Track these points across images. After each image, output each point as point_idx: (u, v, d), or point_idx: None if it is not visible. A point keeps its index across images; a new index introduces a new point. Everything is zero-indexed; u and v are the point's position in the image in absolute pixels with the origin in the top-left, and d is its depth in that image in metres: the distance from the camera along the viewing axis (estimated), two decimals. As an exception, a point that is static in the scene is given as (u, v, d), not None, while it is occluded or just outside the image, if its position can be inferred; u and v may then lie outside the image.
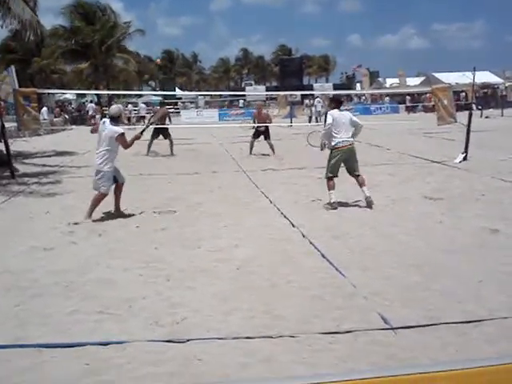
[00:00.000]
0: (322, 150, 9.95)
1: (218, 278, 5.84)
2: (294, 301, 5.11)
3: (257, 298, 5.22)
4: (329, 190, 9.18)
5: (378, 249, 6.70)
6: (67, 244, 7.46)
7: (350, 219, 8.35)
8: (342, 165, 9.29)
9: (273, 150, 17.16)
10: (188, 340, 4.33)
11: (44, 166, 16.50)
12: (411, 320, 4.56)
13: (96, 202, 8.77)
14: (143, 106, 40.91)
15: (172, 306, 5.08)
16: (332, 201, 9.08)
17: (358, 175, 9.25)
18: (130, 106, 41.89)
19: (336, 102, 9.67)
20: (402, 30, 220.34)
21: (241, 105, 54.36)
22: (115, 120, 8.88)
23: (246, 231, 7.79)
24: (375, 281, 5.56)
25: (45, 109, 40.29)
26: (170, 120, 20.22)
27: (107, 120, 8.94)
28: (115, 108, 9.31)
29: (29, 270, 6.31)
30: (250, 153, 17.46)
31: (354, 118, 9.45)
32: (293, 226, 7.97)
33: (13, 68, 15.11)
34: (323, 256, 6.41)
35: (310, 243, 6.98)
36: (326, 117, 9.39)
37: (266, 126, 17.46)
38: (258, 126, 17.52)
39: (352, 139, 9.18)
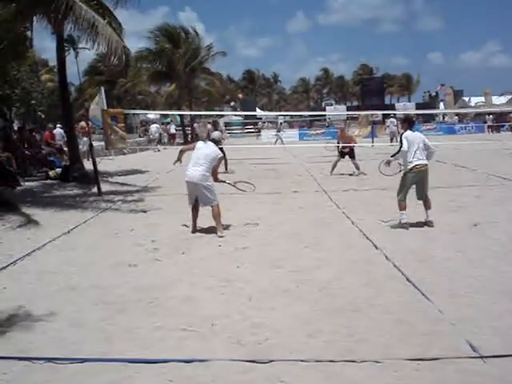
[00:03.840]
0: (394, 174, 9.81)
1: (299, 298, 5.80)
2: (377, 325, 5.00)
3: (339, 320, 5.14)
4: (400, 210, 9.19)
5: (465, 273, 6.46)
6: (151, 261, 7.64)
7: (435, 242, 8.12)
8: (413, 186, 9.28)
9: (358, 169, 17.03)
10: (271, 361, 4.31)
11: (129, 184, 16.98)
12: (501, 349, 4.36)
13: (219, 214, 9.25)
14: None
15: (254, 325, 5.08)
16: (403, 221, 9.07)
17: (427, 199, 9.26)
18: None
19: (408, 123, 9.52)
20: (485, 46, 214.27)
21: (326, 124, 54.23)
22: (216, 143, 9.61)
23: (327, 252, 7.72)
24: (463, 306, 5.36)
25: (156, 125, 41.55)
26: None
27: (210, 142, 9.55)
28: (218, 134, 10.28)
29: (115, 286, 6.50)
30: (331, 172, 17.36)
31: (427, 141, 9.35)
32: (376, 247, 7.83)
33: (102, 89, 15.67)
34: (408, 279, 6.25)
35: (394, 266, 6.83)
36: (400, 139, 9.25)
37: (351, 147, 17.37)
38: (342, 147, 17.46)
39: (426, 161, 9.13)
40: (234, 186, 10.42)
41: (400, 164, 9.60)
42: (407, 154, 9.02)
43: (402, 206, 9.16)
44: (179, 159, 9.90)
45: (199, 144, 9.46)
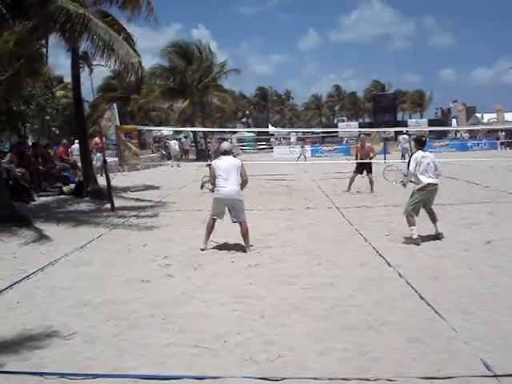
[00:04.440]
0: (405, 187, 9.77)
1: (312, 316, 5.78)
2: (390, 343, 4.97)
3: (352, 338, 5.12)
4: (410, 226, 9.27)
5: (479, 291, 6.42)
6: (164, 277, 7.65)
7: (448, 259, 8.08)
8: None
9: (372, 185, 16.91)
10: (283, 378, 4.30)
11: (142, 199, 17.05)
12: (516, 368, 4.32)
13: (247, 231, 9.24)
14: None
15: (266, 342, 5.07)
16: (414, 237, 9.16)
17: (432, 211, 9.50)
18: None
19: (419, 143, 9.62)
20: (497, 63, 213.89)
21: (344, 141, 54.25)
22: (228, 154, 9.47)
23: (340, 269, 7.70)
24: (477, 325, 5.32)
25: (174, 142, 42.04)
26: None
27: (223, 156, 9.38)
28: (228, 144, 9.87)
29: (127, 301, 6.51)
30: (349, 188, 17.17)
31: (437, 162, 9.45)
32: (389, 265, 7.79)
33: (115, 105, 15.83)
34: (421, 297, 6.21)
35: (407, 283, 6.79)
36: (409, 160, 9.35)
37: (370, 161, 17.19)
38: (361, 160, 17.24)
39: (437, 180, 9.32)
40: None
41: (405, 175, 9.67)
42: (419, 173, 9.14)
43: (412, 222, 9.24)
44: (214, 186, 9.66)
45: (216, 163, 9.32)
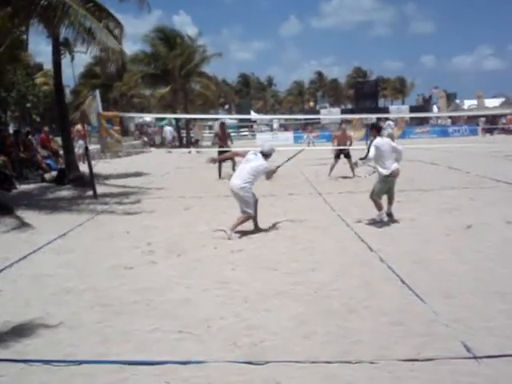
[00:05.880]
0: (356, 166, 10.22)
1: (295, 300, 5.83)
2: (372, 326, 5.03)
3: (334, 322, 5.17)
4: (379, 210, 9.73)
5: (460, 275, 6.50)
6: (147, 263, 7.65)
7: (429, 243, 8.16)
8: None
9: (353, 169, 17.10)
10: (267, 362, 4.34)
11: (124, 186, 17.00)
12: (495, 349, 4.40)
13: (242, 221, 9.29)
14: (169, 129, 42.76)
15: (250, 327, 5.11)
16: (385, 220, 9.70)
17: (392, 195, 9.96)
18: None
19: (376, 130, 9.99)
20: (477, 50, 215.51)
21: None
22: (265, 157, 9.48)
23: (322, 254, 7.75)
24: (457, 308, 5.40)
25: (169, 128, 42.20)
26: (231, 141, 20.83)
27: (259, 154, 9.48)
28: (270, 148, 9.72)
29: (111, 288, 6.52)
30: (330, 173, 17.51)
31: (394, 144, 9.92)
32: (371, 250, 7.87)
33: (97, 92, 15.70)
34: (402, 281, 6.29)
35: (389, 268, 6.86)
36: (369, 146, 9.81)
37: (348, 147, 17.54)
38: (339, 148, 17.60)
39: (398, 165, 9.66)
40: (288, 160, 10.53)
41: (361, 158, 10.13)
42: (380, 160, 9.50)
43: (381, 206, 9.71)
44: (220, 160, 9.85)
45: (249, 156, 9.50)
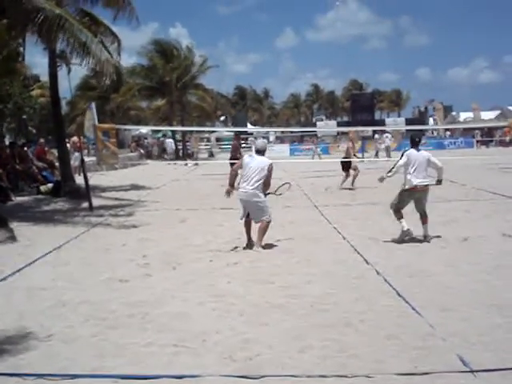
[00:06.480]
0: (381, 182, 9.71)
1: (291, 314, 5.80)
2: (368, 340, 5.01)
3: (330, 335, 5.14)
4: (399, 219, 9.26)
5: (456, 288, 6.49)
6: (142, 276, 7.62)
7: (425, 256, 8.17)
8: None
9: (353, 181, 17.26)
10: (262, 376, 4.31)
11: (120, 199, 17.00)
12: (492, 363, 4.38)
13: (264, 230, 9.02)
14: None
15: (245, 341, 5.08)
16: (405, 228, 9.12)
17: (425, 214, 9.35)
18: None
19: (413, 143, 9.63)
20: (473, 62, 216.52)
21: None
22: (261, 153, 9.24)
23: (318, 267, 7.73)
24: (454, 321, 5.39)
25: (170, 141, 42.43)
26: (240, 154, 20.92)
27: (253, 153, 9.36)
28: (262, 143, 9.68)
29: (106, 301, 6.48)
30: (340, 188, 17.68)
31: (434, 159, 9.46)
32: (367, 262, 7.86)
33: (93, 104, 15.72)
34: (399, 294, 6.27)
35: (385, 281, 6.85)
36: (402, 154, 9.39)
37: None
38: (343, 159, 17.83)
39: (428, 181, 9.29)
40: (275, 193, 10.12)
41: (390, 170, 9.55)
42: (407, 174, 9.17)
43: (400, 215, 9.26)
44: (232, 184, 9.51)
45: (246, 159, 9.22)
